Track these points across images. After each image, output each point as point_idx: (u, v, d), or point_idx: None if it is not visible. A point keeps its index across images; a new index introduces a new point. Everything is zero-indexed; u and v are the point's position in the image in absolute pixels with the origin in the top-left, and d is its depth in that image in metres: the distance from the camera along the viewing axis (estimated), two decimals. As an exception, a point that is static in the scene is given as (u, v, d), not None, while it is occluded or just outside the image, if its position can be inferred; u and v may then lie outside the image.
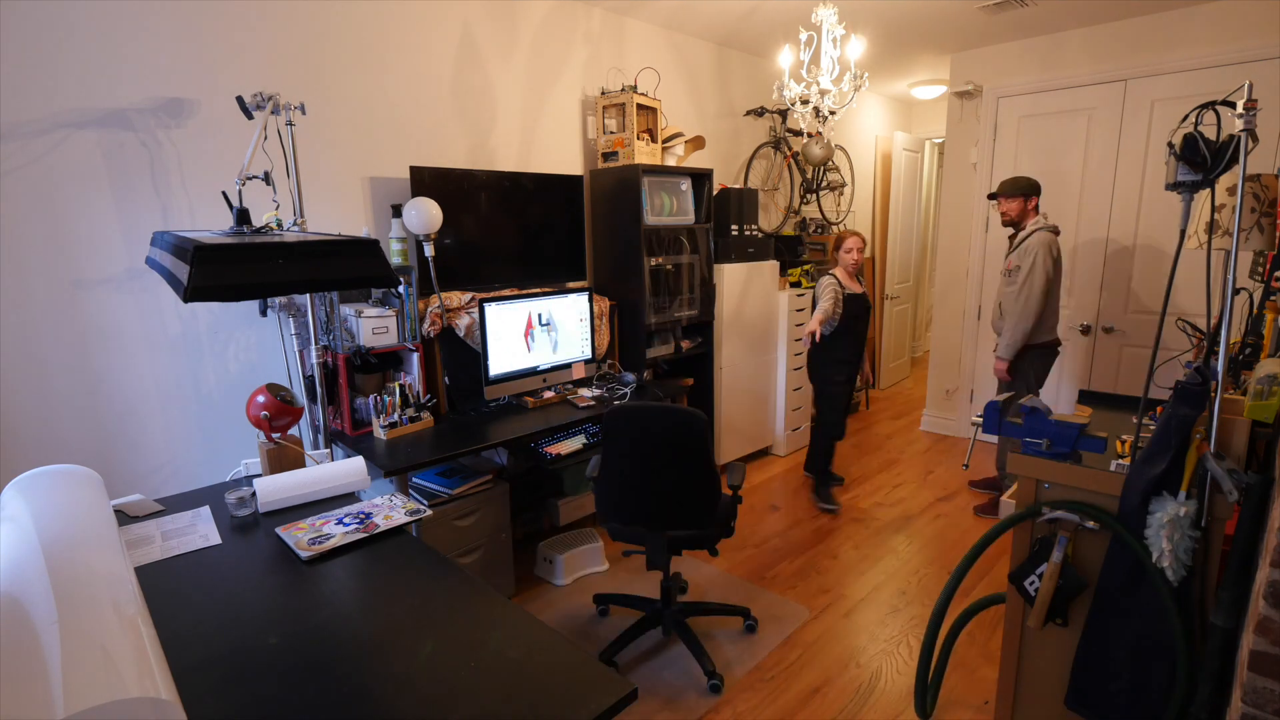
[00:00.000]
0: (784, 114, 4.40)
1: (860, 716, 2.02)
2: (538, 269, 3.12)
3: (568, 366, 3.02)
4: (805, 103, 2.72)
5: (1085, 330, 3.90)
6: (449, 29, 2.77)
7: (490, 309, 2.68)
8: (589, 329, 3.10)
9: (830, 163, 4.77)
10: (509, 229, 2.98)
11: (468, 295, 2.74)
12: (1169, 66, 3.49)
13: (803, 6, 3.28)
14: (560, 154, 3.29)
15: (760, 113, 4.26)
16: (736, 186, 4.16)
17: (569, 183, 3.19)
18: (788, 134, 4.46)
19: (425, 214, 2.46)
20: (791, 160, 4.53)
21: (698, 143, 3.52)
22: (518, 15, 2.99)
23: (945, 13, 3.49)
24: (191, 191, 2.21)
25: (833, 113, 2.74)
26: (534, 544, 3.09)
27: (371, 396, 2.43)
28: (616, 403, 2.82)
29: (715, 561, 2.93)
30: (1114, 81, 3.67)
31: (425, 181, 2.62)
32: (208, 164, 2.23)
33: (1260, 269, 2.59)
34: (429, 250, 2.54)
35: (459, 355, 2.77)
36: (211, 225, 2.22)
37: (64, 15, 1.91)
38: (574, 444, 2.67)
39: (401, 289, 2.47)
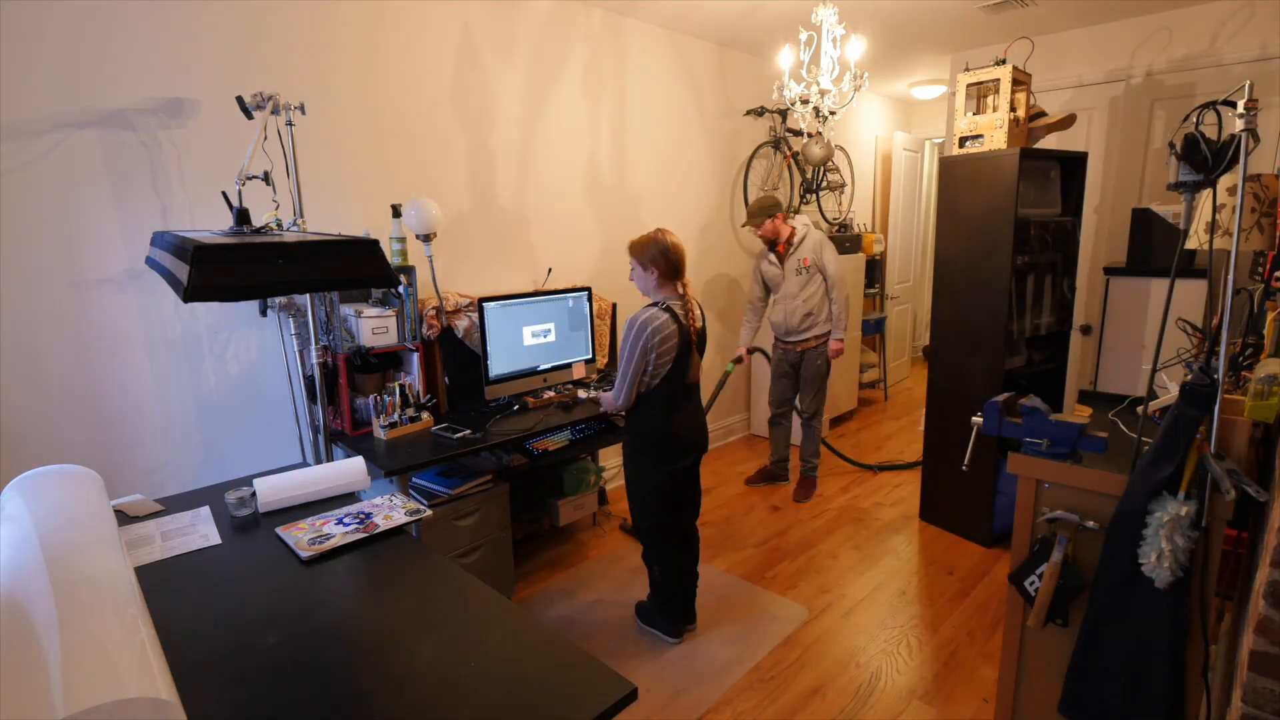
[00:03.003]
0: (784, 114, 4.40)
1: (860, 717, 2.02)
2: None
3: (568, 366, 3.02)
4: (805, 102, 2.72)
5: (1086, 330, 3.90)
6: (449, 29, 2.76)
7: (489, 310, 2.68)
8: (589, 329, 3.10)
9: (830, 163, 4.77)
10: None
11: (467, 297, 2.74)
12: (1168, 66, 3.49)
13: (803, 6, 3.27)
14: (559, 153, 3.28)
15: (760, 112, 4.26)
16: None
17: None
18: (788, 134, 4.45)
19: (425, 214, 2.46)
20: (791, 160, 4.53)
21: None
22: (518, 15, 2.99)
23: (945, 13, 3.49)
24: (191, 191, 2.21)
25: (833, 113, 2.74)
26: (534, 544, 3.09)
27: (371, 396, 2.43)
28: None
29: (715, 561, 2.93)
30: (1114, 82, 3.67)
31: (425, 181, 2.61)
32: (207, 164, 2.23)
33: (1260, 269, 2.59)
34: (428, 250, 2.54)
35: (459, 355, 2.77)
36: (211, 225, 2.22)
37: (64, 15, 1.91)
38: (560, 439, 2.68)
39: (401, 289, 2.47)
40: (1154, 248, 3.15)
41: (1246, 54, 3.27)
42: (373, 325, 2.39)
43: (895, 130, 5.86)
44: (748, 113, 4.23)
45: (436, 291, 2.63)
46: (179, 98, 2.15)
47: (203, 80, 2.18)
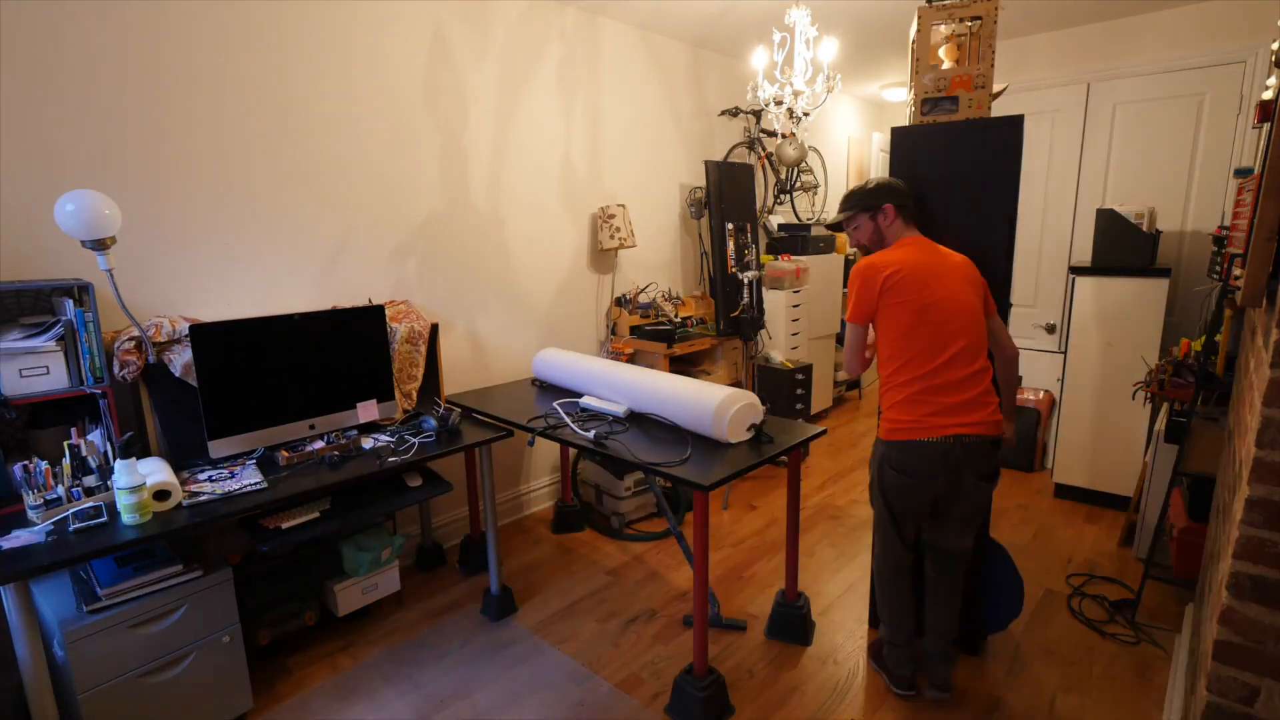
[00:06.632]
0: (758, 114, 4.42)
1: (837, 713, 2.03)
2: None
3: (351, 408, 2.36)
4: (779, 103, 2.74)
5: (1050, 329, 3.98)
6: (420, 28, 2.72)
7: (213, 339, 2.02)
8: (385, 357, 2.44)
9: (804, 163, 4.80)
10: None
11: (189, 321, 2.10)
12: (1130, 70, 3.59)
13: (776, 7, 3.29)
14: (532, 154, 3.25)
15: (735, 113, 4.27)
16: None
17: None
18: (762, 134, 4.48)
19: (89, 211, 1.71)
20: (766, 161, 4.55)
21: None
22: (490, 14, 2.96)
23: (914, 15, 3.53)
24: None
25: (806, 114, 2.76)
26: (288, 648, 2.31)
27: (41, 463, 1.71)
28: (392, 460, 2.11)
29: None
30: (1077, 84, 3.75)
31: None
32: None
33: (1218, 267, 2.66)
34: (103, 262, 1.81)
35: (179, 399, 2.08)
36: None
37: None
38: (309, 513, 2.02)
39: (73, 314, 1.80)
40: (1118, 247, 3.23)
41: (1202, 59, 3.38)
42: (21, 365, 1.72)
43: (866, 131, 5.93)
44: (722, 113, 4.24)
45: (128, 315, 1.96)
46: None
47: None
